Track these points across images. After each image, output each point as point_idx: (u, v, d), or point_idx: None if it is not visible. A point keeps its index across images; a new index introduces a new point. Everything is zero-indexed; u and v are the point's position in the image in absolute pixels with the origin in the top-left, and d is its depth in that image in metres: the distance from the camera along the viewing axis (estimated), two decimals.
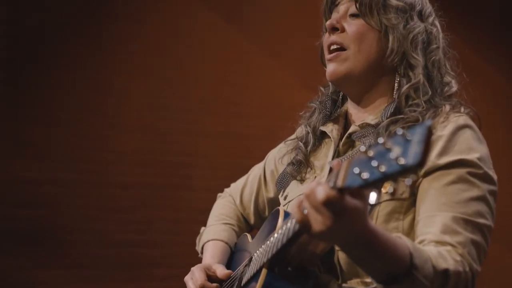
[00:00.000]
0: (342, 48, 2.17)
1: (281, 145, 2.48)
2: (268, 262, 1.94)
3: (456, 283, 1.82)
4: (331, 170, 1.65)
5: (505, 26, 5.71)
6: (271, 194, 2.53)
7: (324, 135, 2.29)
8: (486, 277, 2.41)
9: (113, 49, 4.78)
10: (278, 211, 2.10)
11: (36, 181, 4.51)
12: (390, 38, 2.14)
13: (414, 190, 1.99)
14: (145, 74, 4.84)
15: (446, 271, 1.80)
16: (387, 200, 1.99)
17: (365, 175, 1.44)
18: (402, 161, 1.37)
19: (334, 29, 2.20)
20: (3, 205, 4.42)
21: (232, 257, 2.46)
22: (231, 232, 2.55)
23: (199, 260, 2.49)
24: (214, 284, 2.27)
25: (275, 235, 1.93)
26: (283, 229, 1.87)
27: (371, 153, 1.44)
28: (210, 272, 2.31)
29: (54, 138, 4.58)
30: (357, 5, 2.18)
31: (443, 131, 2.01)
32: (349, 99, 2.28)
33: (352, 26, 2.18)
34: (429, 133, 1.37)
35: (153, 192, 4.76)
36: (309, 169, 2.26)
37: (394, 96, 2.14)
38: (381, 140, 1.43)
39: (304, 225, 1.64)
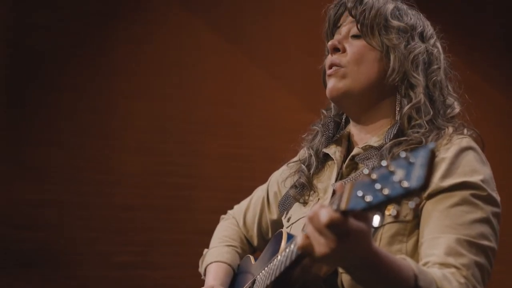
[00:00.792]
0: (342, 67, 2.19)
1: (284, 167, 2.48)
2: (271, 285, 1.94)
3: None
4: (334, 192, 1.65)
5: (506, 47, 5.72)
6: (274, 216, 2.52)
7: (327, 157, 2.29)
8: None
9: (115, 71, 4.79)
10: (281, 233, 2.10)
11: (38, 203, 4.51)
12: (391, 57, 2.15)
13: (417, 213, 1.99)
14: (147, 95, 4.85)
15: None
16: (390, 223, 1.99)
17: (369, 198, 1.44)
18: (405, 184, 1.38)
19: (335, 50, 2.21)
20: (5, 227, 4.41)
21: (235, 279, 2.46)
22: (234, 254, 2.54)
23: (202, 282, 2.48)
24: None
25: (278, 257, 1.93)
26: (286, 251, 1.87)
27: (374, 176, 1.44)
28: None
29: (55, 160, 4.58)
30: (359, 25, 2.19)
31: (446, 154, 2.02)
32: (351, 120, 2.28)
33: (353, 47, 2.19)
34: (432, 156, 1.37)
35: (155, 213, 4.75)
36: (312, 192, 2.26)
37: (396, 118, 2.15)
38: (384, 163, 1.43)
39: (307, 248, 1.64)
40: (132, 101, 4.81)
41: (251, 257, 2.42)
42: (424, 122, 2.09)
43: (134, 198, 4.73)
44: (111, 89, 4.78)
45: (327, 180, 2.24)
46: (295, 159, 2.43)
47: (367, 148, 2.15)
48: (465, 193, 1.96)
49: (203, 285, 2.42)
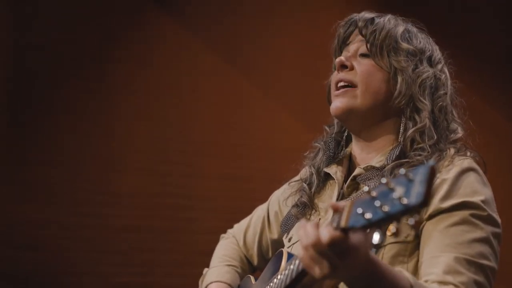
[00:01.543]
0: (350, 86, 2.19)
1: (285, 186, 2.48)
2: None
3: None
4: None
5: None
6: (275, 236, 2.52)
7: (328, 176, 2.29)
8: None
9: (114, 92, 4.80)
10: (281, 252, 2.10)
11: (37, 224, 4.50)
12: (399, 80, 2.16)
13: (418, 233, 2.00)
14: (146, 116, 4.85)
15: None
16: (391, 243, 2.00)
17: (368, 215, 1.45)
18: (405, 201, 1.39)
19: (343, 67, 2.22)
20: (4, 248, 4.40)
21: None
22: (234, 274, 2.54)
23: None
24: None
25: (279, 276, 1.94)
26: (286, 270, 1.87)
27: (374, 193, 1.45)
28: None
29: (55, 180, 4.58)
30: (368, 45, 2.20)
31: (447, 175, 2.03)
32: (353, 140, 2.29)
33: (361, 66, 2.20)
34: (432, 173, 1.38)
35: (155, 234, 4.74)
36: (313, 211, 2.27)
37: (399, 139, 2.15)
38: (384, 180, 1.44)
39: (309, 268, 1.64)
40: (132, 122, 4.81)
41: (252, 277, 2.42)
42: (427, 145, 2.10)
43: (134, 219, 4.72)
44: (110, 109, 4.78)
45: (328, 199, 2.25)
46: (297, 178, 2.43)
47: (369, 168, 2.15)
48: (465, 213, 1.97)
49: None
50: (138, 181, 4.75)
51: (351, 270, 1.64)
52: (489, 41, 5.40)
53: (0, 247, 4.42)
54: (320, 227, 1.60)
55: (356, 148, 2.27)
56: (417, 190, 1.37)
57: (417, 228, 1.99)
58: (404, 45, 2.19)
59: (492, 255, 1.98)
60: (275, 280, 1.96)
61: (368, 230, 1.53)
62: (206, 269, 2.61)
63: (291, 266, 1.83)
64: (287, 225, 2.34)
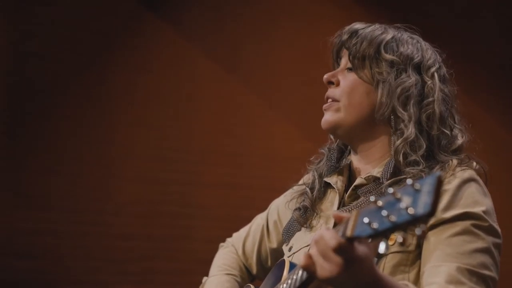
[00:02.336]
0: (336, 101, 2.20)
1: (288, 191, 2.47)
2: None
3: None
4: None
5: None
6: (274, 245, 2.52)
7: (329, 184, 2.29)
8: None
9: (114, 99, 4.80)
10: (283, 262, 2.10)
11: (36, 232, 4.50)
12: (379, 91, 2.15)
13: (419, 243, 2.00)
14: (145, 124, 4.85)
15: None
16: (393, 252, 2.00)
17: (375, 225, 1.45)
18: (412, 211, 1.39)
19: (329, 83, 2.23)
20: (3, 256, 4.40)
21: None
22: (234, 283, 2.54)
23: None
24: None
25: (281, 286, 1.93)
26: (289, 280, 1.86)
27: (380, 203, 1.45)
28: None
29: (54, 189, 4.58)
30: (350, 58, 2.20)
31: (449, 186, 2.02)
32: (351, 151, 2.29)
33: (345, 80, 2.20)
34: (439, 183, 1.38)
35: (154, 243, 4.74)
36: (315, 215, 2.26)
37: (391, 152, 2.14)
38: (391, 190, 1.44)
39: (309, 269, 1.64)
40: (131, 130, 4.81)
41: (252, 286, 2.42)
42: (419, 157, 2.08)
43: (132, 227, 4.72)
44: (109, 118, 4.79)
45: (330, 207, 2.25)
46: (300, 182, 2.43)
47: (370, 178, 2.15)
48: (467, 223, 1.97)
49: None
50: (137, 189, 4.75)
51: (354, 281, 1.63)
52: (485, 47, 5.42)
53: None
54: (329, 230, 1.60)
55: (354, 158, 2.27)
56: (425, 200, 1.37)
57: (423, 236, 1.99)
58: (386, 55, 2.15)
59: (493, 265, 1.98)
60: None
61: (370, 240, 1.53)
62: (205, 277, 2.60)
63: (294, 276, 1.82)
64: (288, 233, 2.33)
